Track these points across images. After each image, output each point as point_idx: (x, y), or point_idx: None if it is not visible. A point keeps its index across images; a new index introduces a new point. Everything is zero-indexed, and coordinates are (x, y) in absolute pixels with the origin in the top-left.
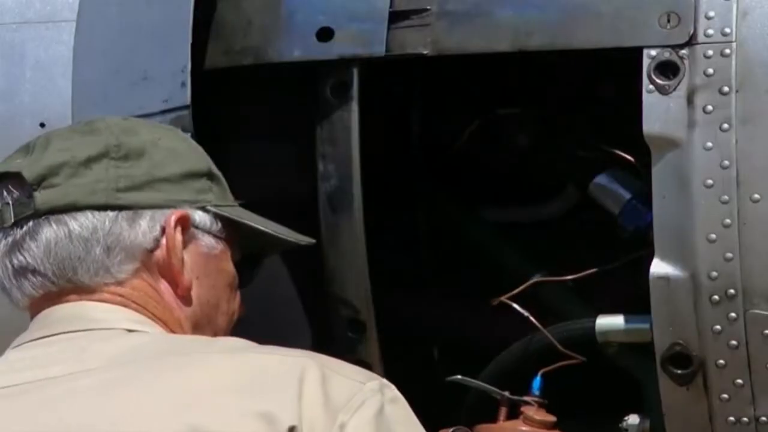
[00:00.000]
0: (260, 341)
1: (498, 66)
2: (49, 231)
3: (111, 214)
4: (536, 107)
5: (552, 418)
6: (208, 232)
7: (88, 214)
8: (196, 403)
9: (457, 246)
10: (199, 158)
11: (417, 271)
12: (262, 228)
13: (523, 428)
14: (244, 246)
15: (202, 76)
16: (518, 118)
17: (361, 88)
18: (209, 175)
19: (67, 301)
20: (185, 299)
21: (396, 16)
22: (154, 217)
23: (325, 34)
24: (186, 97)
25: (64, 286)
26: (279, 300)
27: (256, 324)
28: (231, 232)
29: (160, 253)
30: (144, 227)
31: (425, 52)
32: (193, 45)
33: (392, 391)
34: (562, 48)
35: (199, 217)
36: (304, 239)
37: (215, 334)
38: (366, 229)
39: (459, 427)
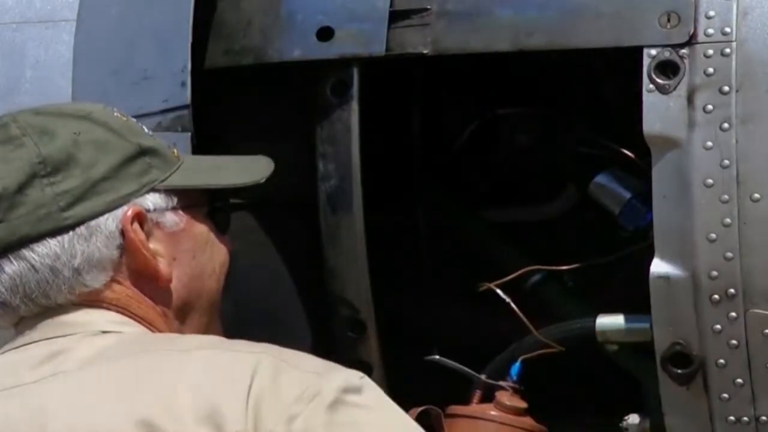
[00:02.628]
0: (260, 341)
1: (498, 66)
2: (11, 267)
3: (66, 236)
4: (536, 107)
5: (523, 405)
6: (167, 210)
7: (44, 242)
8: (154, 403)
9: (457, 246)
10: (125, 140)
11: (417, 271)
12: (212, 184)
13: (493, 412)
14: (209, 194)
15: (202, 76)
16: (518, 118)
17: (361, 88)
18: (143, 152)
19: (46, 315)
20: (168, 289)
21: (396, 16)
22: (109, 225)
23: (325, 34)
24: (186, 96)
25: (39, 309)
26: (279, 300)
27: (257, 324)
28: (188, 194)
29: (128, 258)
30: (103, 240)
31: (425, 51)
32: (193, 45)
33: (359, 379)
34: (562, 48)
35: (152, 200)
36: (259, 175)
37: (210, 300)
38: (366, 229)
39: (430, 407)
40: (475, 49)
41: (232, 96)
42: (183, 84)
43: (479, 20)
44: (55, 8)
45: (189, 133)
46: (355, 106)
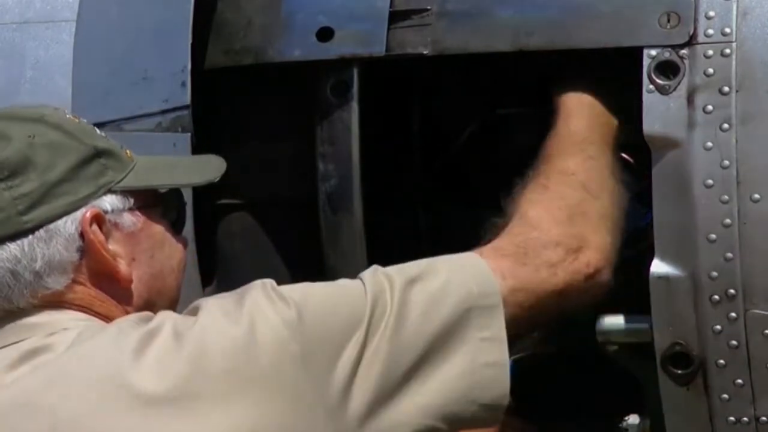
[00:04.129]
0: None
1: (498, 66)
2: None
3: (26, 240)
4: (536, 107)
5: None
6: (124, 211)
7: (5, 246)
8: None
9: (457, 246)
10: (79, 142)
11: None
12: (167, 184)
13: None
14: (163, 193)
15: (202, 76)
16: (518, 118)
17: (361, 88)
18: (98, 153)
19: (9, 319)
20: (129, 288)
21: (396, 16)
22: (68, 228)
23: (325, 34)
24: (186, 97)
25: (2, 314)
26: None
27: None
28: (143, 194)
29: (88, 260)
30: (63, 242)
31: (425, 52)
32: (193, 45)
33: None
34: (562, 48)
35: (109, 202)
36: (212, 174)
37: (170, 298)
38: (366, 229)
39: None
40: (475, 49)
41: (232, 96)
42: (183, 84)
43: (479, 20)
44: (55, 8)
45: (189, 133)
46: (355, 106)
